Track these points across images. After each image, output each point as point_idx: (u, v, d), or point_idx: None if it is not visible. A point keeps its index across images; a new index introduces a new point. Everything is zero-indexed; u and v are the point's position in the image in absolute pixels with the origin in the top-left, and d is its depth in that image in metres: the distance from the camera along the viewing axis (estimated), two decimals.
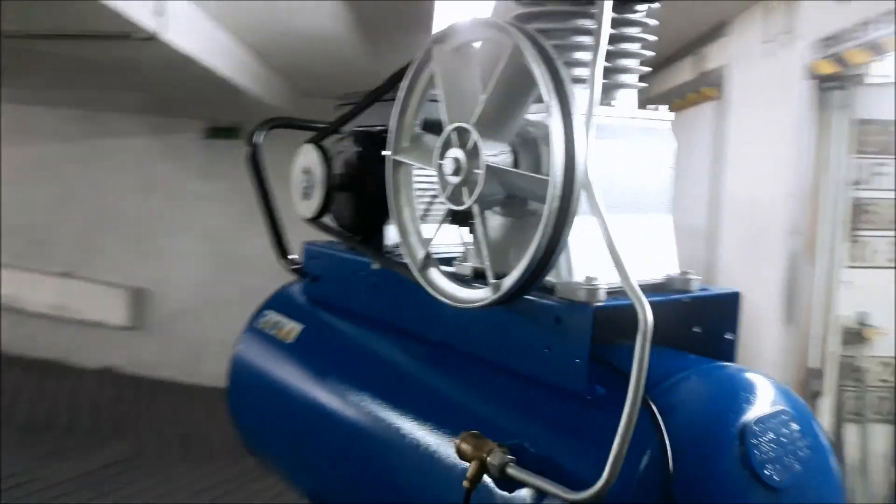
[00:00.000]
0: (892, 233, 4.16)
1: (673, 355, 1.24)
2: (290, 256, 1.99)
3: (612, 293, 1.16)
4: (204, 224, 9.18)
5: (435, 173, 1.23)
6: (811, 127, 3.90)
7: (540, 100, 1.07)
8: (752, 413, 1.08)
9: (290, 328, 1.84)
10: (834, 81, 3.89)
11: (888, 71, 3.54)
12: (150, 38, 4.32)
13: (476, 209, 1.16)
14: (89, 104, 8.31)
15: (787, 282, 3.97)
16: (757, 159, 4.37)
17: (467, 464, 1.08)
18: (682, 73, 5.33)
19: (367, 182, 1.67)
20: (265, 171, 2.01)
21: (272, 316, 1.94)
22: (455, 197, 1.19)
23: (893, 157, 4.15)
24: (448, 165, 1.17)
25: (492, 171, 1.13)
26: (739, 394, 1.12)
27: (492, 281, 1.14)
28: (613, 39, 1.28)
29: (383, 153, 1.64)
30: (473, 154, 1.15)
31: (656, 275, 1.29)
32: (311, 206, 1.69)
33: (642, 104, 1.34)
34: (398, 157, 1.34)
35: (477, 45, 1.22)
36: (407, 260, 1.30)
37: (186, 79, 5.85)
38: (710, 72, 4.82)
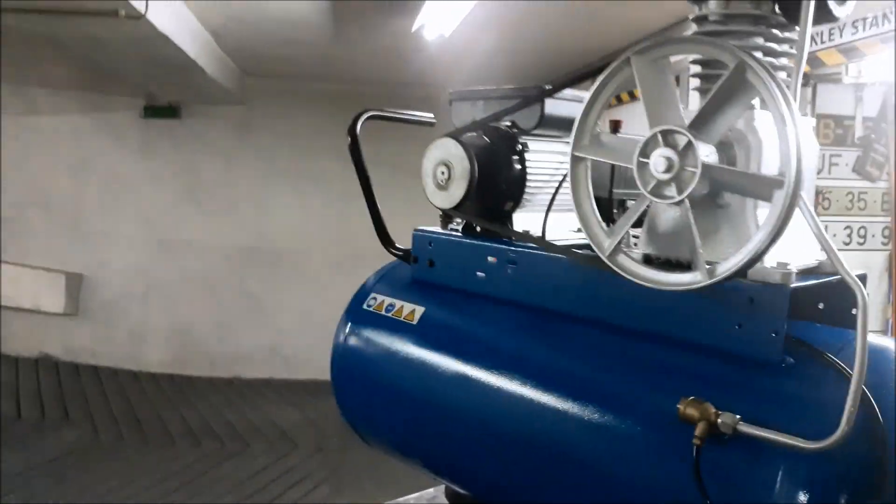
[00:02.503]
0: (846, 218, 4.60)
1: (826, 329, 1.45)
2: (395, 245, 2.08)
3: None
4: (141, 206, 8.93)
5: (631, 168, 1.38)
6: None
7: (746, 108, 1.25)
8: None
9: (411, 310, 1.94)
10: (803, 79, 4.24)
11: (858, 72, 3.92)
12: (139, 17, 4.24)
13: (686, 203, 1.32)
14: (14, 78, 7.89)
15: None
16: None
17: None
18: None
19: (504, 175, 1.80)
20: (365, 162, 2.08)
21: (383, 299, 2.03)
22: (659, 191, 1.35)
23: (847, 149, 4.58)
24: (660, 164, 1.33)
25: (706, 168, 1.29)
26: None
27: (706, 266, 1.31)
28: (776, 54, 1.47)
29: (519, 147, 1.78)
30: (685, 154, 1.31)
31: (810, 260, 1.50)
32: (451, 198, 1.80)
33: None
34: (580, 154, 1.47)
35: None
36: (594, 247, 1.45)
37: (143, 55, 5.70)
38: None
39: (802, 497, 1.19)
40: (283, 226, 8.96)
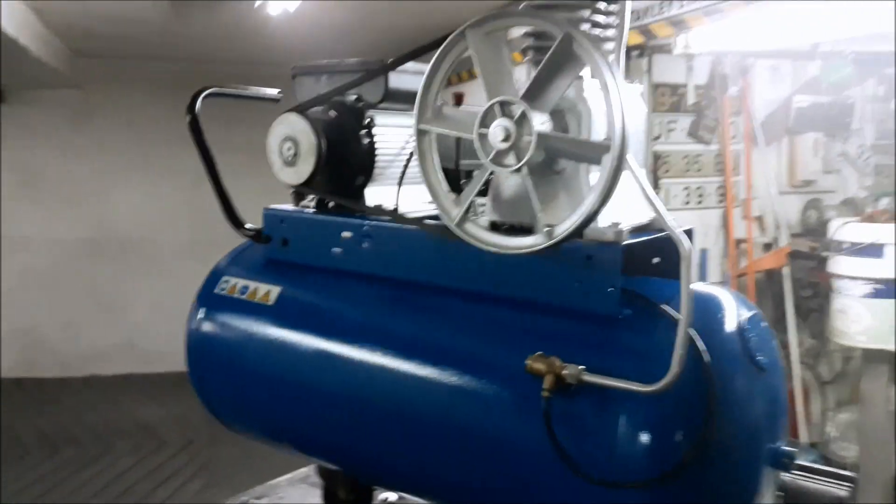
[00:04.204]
0: (684, 179, 4.93)
1: (660, 282, 1.56)
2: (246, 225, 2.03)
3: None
4: None
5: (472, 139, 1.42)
6: None
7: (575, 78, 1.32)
8: (741, 316, 1.44)
9: (266, 290, 1.91)
10: (638, 50, 4.50)
11: (686, 43, 4.19)
12: None
13: (525, 170, 1.38)
14: None
15: None
16: None
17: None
18: None
19: (353, 149, 1.80)
20: (207, 141, 2.02)
21: (235, 281, 1.99)
22: (499, 160, 1.40)
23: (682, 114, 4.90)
24: (498, 133, 1.38)
25: (541, 137, 1.35)
26: (726, 303, 1.47)
27: (544, 229, 1.37)
28: (602, 26, 1.55)
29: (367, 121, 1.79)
30: (521, 123, 1.36)
31: (643, 218, 1.60)
32: (299, 174, 1.78)
33: None
34: (425, 127, 1.50)
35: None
36: (443, 217, 1.49)
37: None
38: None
39: (643, 437, 1.30)
40: (129, 215, 8.50)
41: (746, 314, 1.45)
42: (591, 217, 1.34)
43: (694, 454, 1.27)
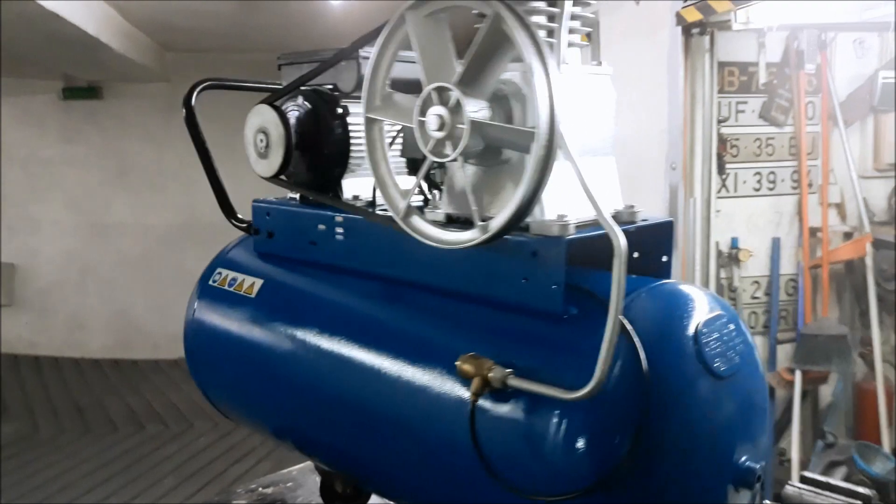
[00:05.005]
0: (755, 164, 4.65)
1: (629, 279, 1.45)
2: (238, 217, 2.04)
3: (579, 227, 1.35)
4: (68, 191, 8.72)
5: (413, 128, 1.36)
6: (681, 69, 4.25)
7: (513, 60, 1.23)
8: (699, 318, 1.31)
9: (251, 283, 1.92)
10: (698, 27, 4.25)
11: (747, 18, 3.92)
12: None
13: (460, 161, 1.31)
14: None
15: (668, 213, 4.36)
16: (633, 102, 4.72)
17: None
18: None
19: (325, 139, 1.77)
20: (202, 133, 2.04)
21: (227, 273, 2.00)
22: (437, 150, 1.33)
23: (753, 95, 4.61)
24: (432, 122, 1.31)
25: (475, 125, 1.27)
26: (687, 303, 1.34)
27: (479, 223, 1.30)
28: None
29: (340, 111, 1.75)
30: (456, 111, 1.29)
31: (608, 210, 1.49)
32: (270, 165, 1.77)
33: None
34: (372, 115, 1.45)
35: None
36: (389, 210, 1.43)
37: (42, 35, 5.51)
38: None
39: (571, 445, 1.21)
40: (216, 202, 8.80)
41: (707, 316, 1.32)
42: (523, 209, 1.25)
43: (625, 466, 1.17)
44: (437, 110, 1.31)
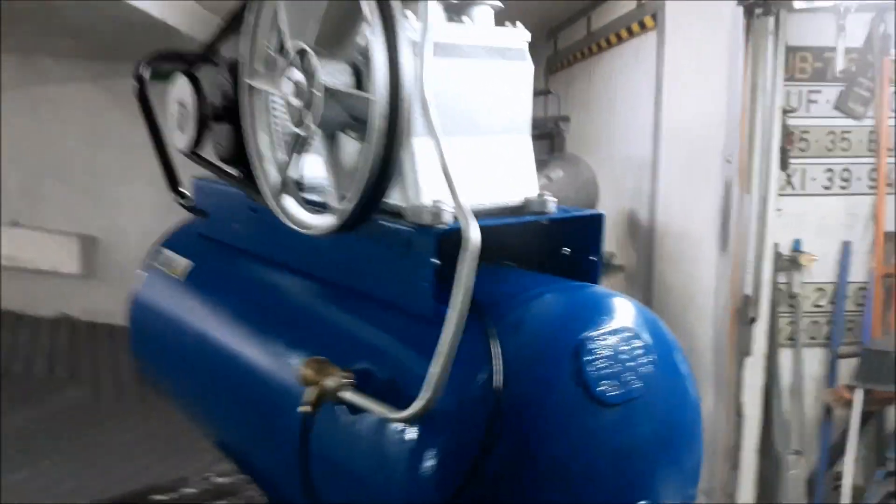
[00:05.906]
0: (826, 160, 4.22)
1: (527, 276, 1.25)
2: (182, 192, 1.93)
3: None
4: (154, 172, 8.96)
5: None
6: (741, 53, 3.88)
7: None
8: (589, 331, 1.09)
9: (182, 265, 1.81)
10: (762, 7, 3.86)
11: None
12: None
13: (320, 132, 1.14)
14: (23, 50, 7.97)
15: (722, 210, 4.01)
16: (692, 87, 4.36)
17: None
18: (627, 3, 5.26)
19: (237, 111, 1.63)
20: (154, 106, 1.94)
21: (167, 254, 1.91)
22: (300, 121, 1.16)
23: (828, 84, 4.17)
24: (287, 88, 1.14)
25: (330, 92, 1.10)
26: (580, 313, 1.12)
27: (337, 207, 1.12)
28: None
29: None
30: (312, 75, 1.12)
31: (514, 197, 1.28)
32: (184, 139, 1.64)
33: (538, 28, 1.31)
34: (250, 82, 1.29)
35: None
36: (262, 187, 1.28)
37: (115, 22, 5.64)
38: (649, 2, 4.77)
39: (406, 464, 1.02)
40: None
41: (600, 330, 1.09)
42: (370, 191, 1.06)
43: (465, 492, 0.97)
44: (294, 75, 1.14)
